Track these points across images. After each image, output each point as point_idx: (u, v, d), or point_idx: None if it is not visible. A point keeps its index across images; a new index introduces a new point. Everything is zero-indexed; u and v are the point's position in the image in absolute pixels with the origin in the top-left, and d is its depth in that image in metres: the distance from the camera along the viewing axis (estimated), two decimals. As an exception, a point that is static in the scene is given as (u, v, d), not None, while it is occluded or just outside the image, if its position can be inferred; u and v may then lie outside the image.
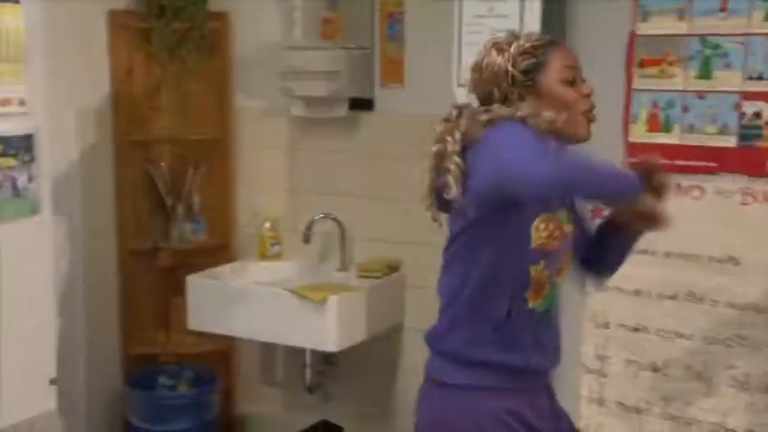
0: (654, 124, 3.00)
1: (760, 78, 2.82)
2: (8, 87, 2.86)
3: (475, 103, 2.18)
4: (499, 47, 2.15)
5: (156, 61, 3.94)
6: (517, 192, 1.93)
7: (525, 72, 2.12)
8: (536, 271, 2.11)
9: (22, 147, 2.88)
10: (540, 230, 2.10)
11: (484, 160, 1.98)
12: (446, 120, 2.14)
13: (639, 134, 3.02)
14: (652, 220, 2.05)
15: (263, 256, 3.91)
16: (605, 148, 2.99)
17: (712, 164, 2.93)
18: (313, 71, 3.61)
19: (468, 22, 3.09)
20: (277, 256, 3.92)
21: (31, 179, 2.92)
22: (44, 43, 3.01)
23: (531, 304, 2.13)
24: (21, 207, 2.93)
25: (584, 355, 3.18)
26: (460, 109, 2.15)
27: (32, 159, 2.92)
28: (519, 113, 2.05)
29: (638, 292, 3.07)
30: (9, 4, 2.81)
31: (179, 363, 4.05)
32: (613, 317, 3.13)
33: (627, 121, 3.04)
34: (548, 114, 2.06)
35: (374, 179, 3.69)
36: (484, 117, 2.06)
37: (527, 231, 2.08)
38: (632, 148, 3.02)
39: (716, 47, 2.88)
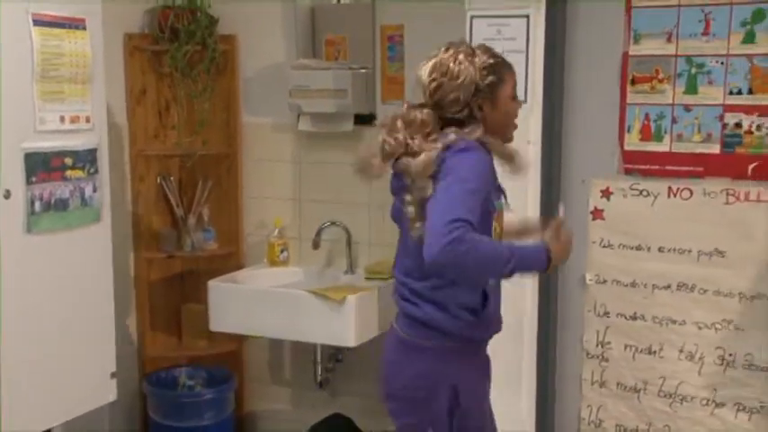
0: (646, 134, 3.33)
1: (739, 93, 3.17)
2: (77, 106, 3.10)
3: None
4: (466, 55, 2.41)
5: (167, 81, 4.19)
6: None
7: (489, 85, 2.41)
8: None
9: (88, 160, 3.12)
10: (497, 231, 2.44)
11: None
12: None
13: (633, 143, 3.35)
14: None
15: (273, 262, 4.14)
16: (604, 156, 3.37)
17: (699, 168, 3.25)
18: (321, 89, 3.89)
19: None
20: (285, 262, 4.16)
21: (95, 189, 3.16)
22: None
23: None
24: (87, 215, 3.16)
25: (586, 342, 3.48)
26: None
27: (96, 171, 3.16)
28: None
29: (634, 284, 3.39)
30: (78, 31, 3.05)
31: (192, 364, 4.28)
32: (612, 307, 3.43)
33: (622, 131, 3.36)
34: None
35: (376, 188, 3.92)
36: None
37: (489, 233, 2.39)
38: (627, 155, 3.36)
39: (700, 66, 3.23)
